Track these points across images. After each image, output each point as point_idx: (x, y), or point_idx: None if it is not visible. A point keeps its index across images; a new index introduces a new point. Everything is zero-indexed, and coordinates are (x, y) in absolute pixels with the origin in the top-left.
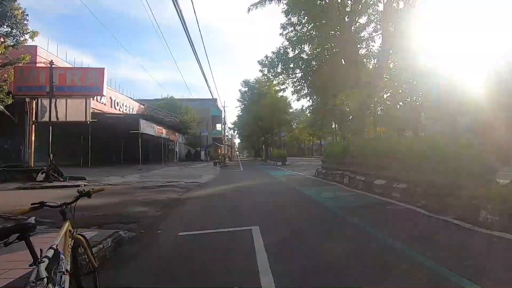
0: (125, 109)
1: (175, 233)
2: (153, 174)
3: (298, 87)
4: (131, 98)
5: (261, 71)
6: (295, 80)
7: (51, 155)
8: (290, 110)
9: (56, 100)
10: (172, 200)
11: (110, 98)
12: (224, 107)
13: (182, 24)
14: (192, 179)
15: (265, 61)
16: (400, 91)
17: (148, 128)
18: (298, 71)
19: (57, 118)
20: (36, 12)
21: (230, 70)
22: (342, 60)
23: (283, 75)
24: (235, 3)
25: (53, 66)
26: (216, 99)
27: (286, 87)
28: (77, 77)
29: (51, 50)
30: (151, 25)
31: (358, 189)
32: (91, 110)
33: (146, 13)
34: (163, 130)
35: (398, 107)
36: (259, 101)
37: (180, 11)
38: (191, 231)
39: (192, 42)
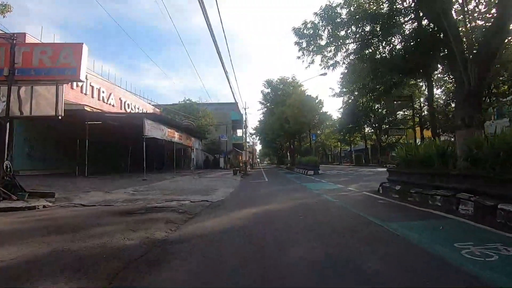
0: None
1: None
2: (155, 188)
3: (352, 64)
4: (150, 102)
5: (297, 43)
6: (345, 55)
7: (6, 163)
8: (322, 110)
9: (19, 87)
10: (148, 248)
11: (120, 99)
12: (245, 108)
13: (209, 29)
14: (203, 195)
15: (303, 29)
16: None
17: (155, 130)
18: (351, 41)
19: (21, 112)
20: (68, 27)
21: (249, 78)
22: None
23: (330, 48)
24: (256, 12)
25: (15, 41)
26: (236, 103)
27: (336, 65)
28: (47, 56)
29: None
30: (171, 36)
31: None
32: (85, 108)
33: (166, 23)
34: (175, 133)
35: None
36: (283, 103)
37: (208, 19)
38: None
39: (215, 41)
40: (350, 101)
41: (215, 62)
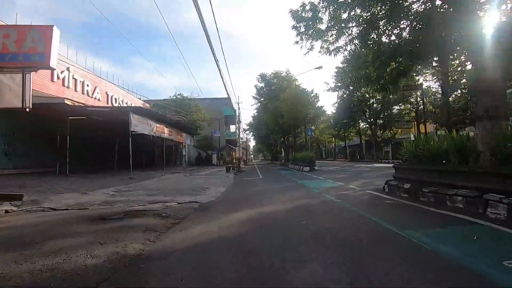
0: None
1: None
2: (140, 187)
3: (355, 51)
4: (140, 98)
5: (295, 28)
6: (349, 39)
7: None
8: (317, 105)
9: None
10: (115, 269)
11: (106, 93)
12: (238, 103)
13: (201, 23)
14: (192, 196)
15: (302, 11)
16: None
17: (142, 125)
18: (354, 24)
19: None
20: (62, 22)
21: (243, 76)
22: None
23: (331, 32)
24: (251, 10)
25: None
26: (229, 98)
27: (338, 50)
28: (11, 40)
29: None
30: (166, 32)
31: None
32: (69, 102)
33: (159, 20)
34: (165, 129)
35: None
36: (277, 97)
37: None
38: None
39: (208, 36)
40: (345, 95)
41: (209, 60)
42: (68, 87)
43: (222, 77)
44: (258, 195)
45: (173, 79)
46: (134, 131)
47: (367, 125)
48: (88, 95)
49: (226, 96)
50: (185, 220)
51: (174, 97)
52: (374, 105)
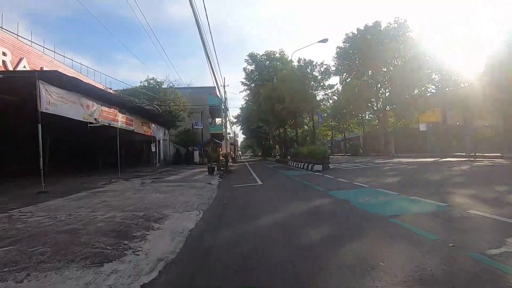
0: None
1: None
2: (13, 225)
3: None
4: (110, 89)
5: None
6: None
7: None
8: (328, 83)
9: None
10: None
11: (42, 69)
12: (224, 86)
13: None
14: (98, 265)
15: None
16: None
17: (67, 105)
18: None
19: None
20: (36, 16)
21: (231, 70)
22: None
23: None
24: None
25: None
26: (214, 87)
27: None
28: None
29: None
30: (146, 27)
31: None
32: None
33: (137, 14)
34: (119, 115)
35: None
36: (272, 81)
37: None
38: None
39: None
40: (348, 80)
41: (195, 52)
42: None
43: (211, 64)
44: (276, 251)
45: (157, 75)
46: (49, 112)
47: (373, 115)
48: (6, 69)
49: (209, 83)
50: None
51: (146, 83)
52: (381, 90)
